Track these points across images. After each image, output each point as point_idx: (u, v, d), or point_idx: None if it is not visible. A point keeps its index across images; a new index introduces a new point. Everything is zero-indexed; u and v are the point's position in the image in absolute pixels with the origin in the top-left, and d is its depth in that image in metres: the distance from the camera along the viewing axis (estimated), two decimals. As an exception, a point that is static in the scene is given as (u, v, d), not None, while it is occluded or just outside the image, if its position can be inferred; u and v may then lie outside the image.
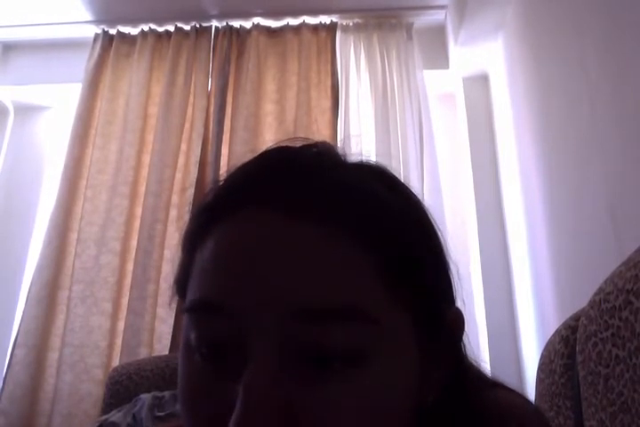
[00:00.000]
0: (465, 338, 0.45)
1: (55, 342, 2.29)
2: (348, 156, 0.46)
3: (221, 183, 0.44)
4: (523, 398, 0.50)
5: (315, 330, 0.35)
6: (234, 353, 0.36)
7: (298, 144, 0.47)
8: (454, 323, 0.44)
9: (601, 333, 0.63)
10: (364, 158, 0.46)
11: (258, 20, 2.74)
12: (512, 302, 2.24)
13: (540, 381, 0.86)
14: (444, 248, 0.44)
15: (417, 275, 0.40)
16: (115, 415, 1.61)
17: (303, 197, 0.38)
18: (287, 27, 2.73)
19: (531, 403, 0.52)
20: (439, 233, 0.44)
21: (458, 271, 0.44)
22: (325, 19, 2.72)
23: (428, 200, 2.09)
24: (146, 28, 2.78)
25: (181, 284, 0.43)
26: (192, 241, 0.42)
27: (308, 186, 0.39)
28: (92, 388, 2.17)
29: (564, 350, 0.78)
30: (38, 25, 2.79)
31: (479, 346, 2.18)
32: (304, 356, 0.35)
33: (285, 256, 0.36)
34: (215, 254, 0.39)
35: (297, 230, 0.37)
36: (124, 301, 2.32)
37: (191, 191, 2.43)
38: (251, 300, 0.35)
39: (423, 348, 0.40)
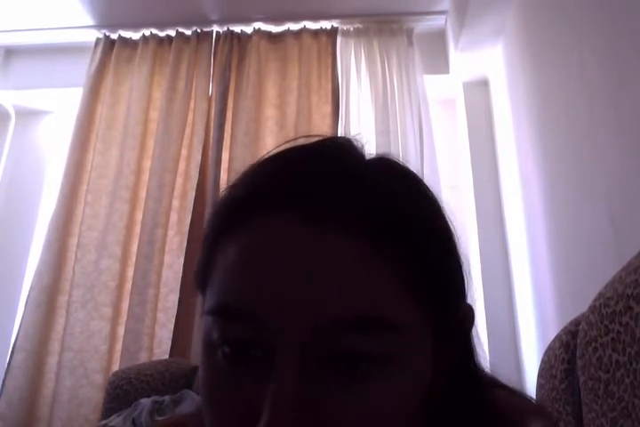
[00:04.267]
0: (475, 336, 0.46)
1: (55, 346, 2.29)
2: (365, 150, 0.45)
3: (245, 180, 0.43)
4: (527, 399, 0.50)
5: (342, 338, 0.35)
6: (258, 352, 0.36)
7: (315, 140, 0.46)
8: (466, 318, 0.44)
9: (601, 338, 0.63)
10: (381, 154, 0.46)
11: (259, 25, 2.75)
12: (512, 307, 2.24)
13: (540, 386, 0.86)
14: (460, 250, 0.44)
15: (438, 278, 0.40)
16: (114, 420, 1.60)
17: (332, 203, 0.38)
18: (288, 32, 2.74)
19: (535, 403, 0.53)
20: (453, 229, 0.44)
21: (468, 267, 0.44)
22: (326, 24, 2.73)
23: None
24: (147, 32, 2.79)
25: (201, 278, 0.43)
26: (215, 237, 0.42)
27: (330, 189, 0.39)
28: (92, 392, 2.17)
29: (564, 356, 0.78)
30: (40, 30, 2.80)
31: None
32: (330, 362, 0.35)
33: (313, 263, 0.36)
34: (240, 258, 0.38)
35: (325, 238, 0.37)
36: (124, 305, 2.32)
37: (192, 196, 2.43)
38: (278, 307, 0.35)
39: (436, 345, 0.41)
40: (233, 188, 0.43)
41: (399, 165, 0.45)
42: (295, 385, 0.34)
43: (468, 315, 0.44)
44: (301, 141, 0.46)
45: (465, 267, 0.44)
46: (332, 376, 0.35)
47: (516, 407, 0.47)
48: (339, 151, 0.43)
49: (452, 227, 0.44)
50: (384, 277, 0.37)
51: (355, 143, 0.45)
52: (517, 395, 0.49)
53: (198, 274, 0.43)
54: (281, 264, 0.36)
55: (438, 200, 0.45)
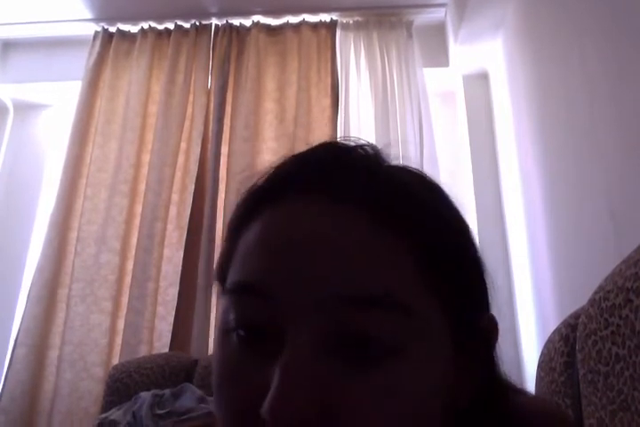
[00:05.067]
0: (498, 345, 0.45)
1: (55, 340, 2.29)
2: (391, 159, 0.46)
3: (269, 173, 0.45)
4: (549, 403, 0.51)
5: (355, 317, 0.35)
6: (272, 336, 0.36)
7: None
8: (488, 329, 0.44)
9: (601, 331, 0.63)
10: (405, 163, 0.47)
11: (258, 18, 2.74)
12: (512, 301, 2.24)
13: (539, 379, 0.86)
14: (481, 256, 0.45)
15: (456, 276, 0.40)
16: (115, 413, 1.61)
17: (349, 188, 0.39)
18: (287, 25, 2.73)
19: (558, 408, 0.53)
20: (475, 240, 0.45)
21: (493, 280, 0.45)
22: (325, 17, 2.72)
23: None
24: (146, 25, 2.78)
25: (223, 270, 0.43)
26: (236, 227, 0.43)
27: (355, 178, 0.40)
28: (92, 386, 2.17)
29: (563, 349, 0.78)
30: (38, 23, 2.79)
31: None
32: (343, 342, 0.35)
33: (329, 242, 0.37)
34: (259, 238, 0.39)
35: (342, 218, 0.37)
36: (124, 299, 2.32)
37: (191, 189, 2.43)
38: (293, 284, 0.36)
39: (458, 351, 0.40)
40: (259, 179, 0.44)
41: (420, 172, 0.46)
42: (305, 360, 0.34)
43: (490, 325, 0.44)
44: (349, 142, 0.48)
45: (488, 278, 0.44)
46: (343, 358, 0.35)
47: (539, 412, 0.47)
48: (365, 150, 0.44)
49: (472, 233, 0.45)
50: (402, 263, 0.37)
51: (382, 150, 0.46)
52: (541, 400, 0.50)
53: (220, 265, 0.44)
54: (298, 242, 0.37)
55: (459, 207, 0.45)
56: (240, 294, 0.39)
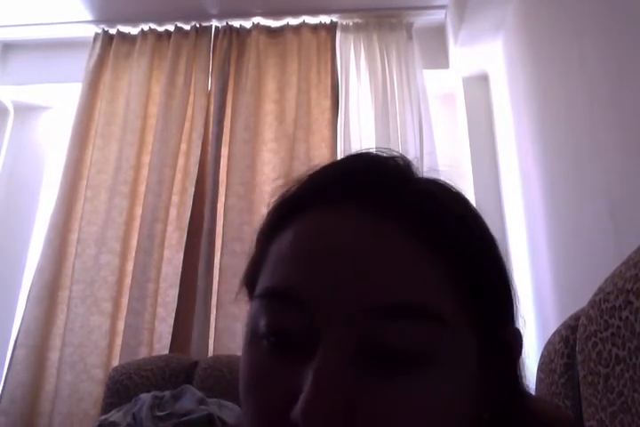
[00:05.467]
0: (521, 359, 0.45)
1: (55, 341, 2.29)
2: (421, 171, 0.47)
3: (304, 180, 0.45)
4: (561, 410, 0.51)
5: (388, 326, 0.35)
6: (303, 341, 0.36)
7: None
8: (513, 342, 0.44)
9: (601, 332, 0.63)
10: (433, 176, 0.48)
11: (258, 19, 2.74)
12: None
13: (539, 380, 0.86)
14: (509, 269, 0.45)
15: (485, 290, 0.40)
16: (114, 415, 1.61)
17: (386, 200, 0.39)
18: (287, 26, 2.73)
19: (569, 415, 0.53)
20: (502, 253, 0.45)
21: (517, 293, 0.45)
22: (325, 18, 2.72)
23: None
24: (146, 27, 2.78)
25: (252, 275, 0.43)
26: (268, 234, 0.43)
27: (392, 190, 0.41)
28: (92, 387, 2.17)
29: (563, 350, 0.78)
30: (38, 24, 2.79)
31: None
32: (374, 350, 0.36)
33: (364, 251, 0.37)
34: (294, 244, 0.39)
35: (377, 228, 0.38)
36: (124, 300, 2.32)
37: (191, 191, 2.43)
38: (328, 291, 0.36)
39: (483, 365, 0.41)
40: (291, 187, 0.45)
41: (450, 184, 0.47)
42: (337, 366, 0.34)
43: (515, 338, 0.44)
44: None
45: (514, 291, 0.44)
46: (374, 366, 0.35)
47: (552, 418, 0.47)
48: (398, 162, 0.45)
49: (499, 246, 0.45)
50: (435, 276, 0.38)
51: (413, 162, 0.47)
52: (554, 407, 0.50)
53: (249, 271, 0.44)
54: (335, 250, 0.37)
55: (485, 219, 0.46)
56: (271, 299, 0.39)
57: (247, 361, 0.40)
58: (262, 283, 0.40)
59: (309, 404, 0.32)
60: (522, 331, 0.45)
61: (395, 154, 0.45)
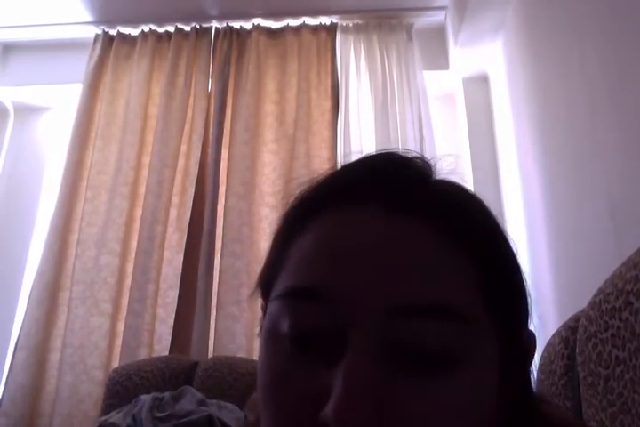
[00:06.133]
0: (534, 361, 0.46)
1: (56, 343, 2.29)
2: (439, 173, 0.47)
3: (323, 180, 0.44)
4: (567, 413, 0.51)
5: (419, 326, 0.35)
6: (329, 341, 0.36)
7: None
8: (528, 345, 0.44)
9: (601, 333, 0.63)
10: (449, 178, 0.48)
11: (258, 20, 2.74)
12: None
13: (539, 382, 0.86)
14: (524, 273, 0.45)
15: (508, 291, 0.41)
16: (114, 416, 1.61)
17: (413, 198, 0.39)
18: (287, 28, 2.74)
19: (579, 420, 0.53)
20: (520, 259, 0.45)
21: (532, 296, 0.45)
22: (325, 20, 2.72)
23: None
24: (146, 28, 2.78)
25: (269, 277, 0.43)
26: (288, 233, 0.42)
27: (419, 188, 0.41)
28: (92, 389, 2.17)
29: (563, 352, 0.78)
30: (38, 26, 2.79)
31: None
32: (405, 350, 0.35)
33: (392, 251, 0.37)
34: (319, 243, 0.39)
35: (406, 228, 0.38)
36: (124, 301, 2.32)
37: (191, 192, 2.43)
38: (358, 290, 0.36)
39: (503, 365, 0.41)
40: (311, 186, 0.44)
41: (465, 187, 0.47)
42: (368, 366, 0.34)
43: (530, 341, 0.44)
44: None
45: (530, 296, 0.44)
46: (404, 366, 0.35)
47: (568, 424, 0.47)
48: (419, 163, 0.45)
49: (514, 248, 0.45)
50: (465, 277, 0.38)
51: (434, 163, 0.47)
52: (563, 411, 0.50)
53: (265, 271, 0.44)
54: (361, 248, 0.37)
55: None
56: (295, 298, 0.38)
57: (267, 361, 0.39)
58: (284, 282, 0.40)
59: (342, 404, 0.32)
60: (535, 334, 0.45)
61: (417, 155, 0.46)
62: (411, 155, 0.45)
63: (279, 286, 0.40)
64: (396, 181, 0.41)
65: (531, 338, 0.44)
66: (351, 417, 0.32)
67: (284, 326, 0.38)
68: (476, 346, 0.37)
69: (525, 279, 0.44)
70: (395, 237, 0.37)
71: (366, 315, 0.35)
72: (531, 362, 0.45)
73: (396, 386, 0.35)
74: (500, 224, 0.44)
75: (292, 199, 0.45)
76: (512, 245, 0.44)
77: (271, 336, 0.40)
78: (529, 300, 0.44)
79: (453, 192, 0.43)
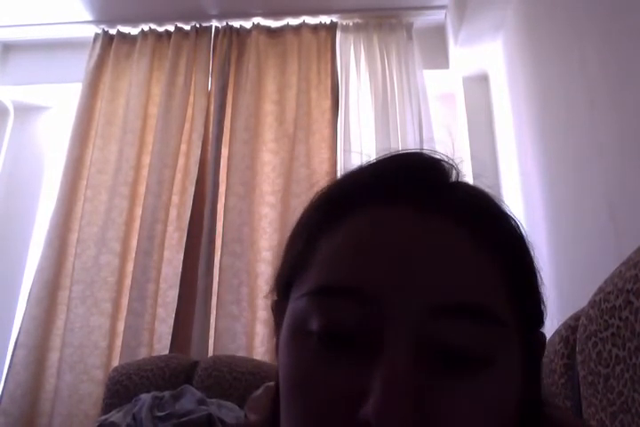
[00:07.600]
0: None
1: (56, 342, 2.29)
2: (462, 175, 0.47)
3: (353, 176, 0.44)
4: (576, 418, 0.51)
5: (452, 326, 0.36)
6: (363, 340, 0.36)
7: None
8: (540, 345, 0.45)
9: (601, 332, 0.63)
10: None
11: (258, 20, 2.74)
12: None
13: (539, 381, 0.86)
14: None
15: (530, 292, 0.42)
16: (114, 415, 1.61)
17: (445, 198, 0.40)
18: (287, 27, 2.73)
19: (579, 419, 0.53)
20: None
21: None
22: (325, 19, 2.72)
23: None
24: (146, 28, 2.78)
25: (290, 275, 0.42)
26: (314, 232, 0.42)
27: (449, 189, 0.41)
28: (92, 388, 2.17)
29: (563, 351, 0.78)
30: (38, 25, 2.79)
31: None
32: (442, 350, 0.35)
33: (428, 251, 0.37)
34: (352, 242, 0.39)
35: (439, 228, 0.38)
36: (124, 301, 2.32)
37: (191, 191, 2.43)
38: (395, 289, 0.36)
39: (523, 365, 0.41)
40: (336, 184, 0.44)
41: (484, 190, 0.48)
42: (407, 366, 0.34)
43: (542, 342, 0.45)
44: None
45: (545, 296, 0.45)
46: (442, 366, 0.35)
47: (563, 424, 0.48)
48: (449, 163, 0.45)
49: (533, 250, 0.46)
50: (496, 278, 0.38)
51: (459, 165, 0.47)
52: (568, 414, 0.50)
53: (286, 270, 0.43)
54: (396, 246, 0.37)
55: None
56: (330, 296, 0.38)
57: (292, 361, 0.39)
58: (314, 280, 0.39)
59: (383, 403, 0.32)
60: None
61: (442, 156, 0.46)
62: (437, 156, 0.45)
63: (306, 284, 0.40)
64: (428, 181, 0.41)
65: (542, 338, 0.45)
66: (393, 417, 0.32)
67: (314, 323, 0.37)
68: (508, 346, 0.38)
69: (542, 281, 0.45)
70: (430, 236, 0.38)
71: (404, 315, 0.35)
72: (540, 362, 0.45)
73: (432, 386, 0.35)
74: (521, 226, 0.45)
75: (314, 197, 0.45)
76: (531, 247, 0.45)
77: (296, 334, 0.39)
78: (543, 300, 0.45)
79: (479, 194, 0.43)
